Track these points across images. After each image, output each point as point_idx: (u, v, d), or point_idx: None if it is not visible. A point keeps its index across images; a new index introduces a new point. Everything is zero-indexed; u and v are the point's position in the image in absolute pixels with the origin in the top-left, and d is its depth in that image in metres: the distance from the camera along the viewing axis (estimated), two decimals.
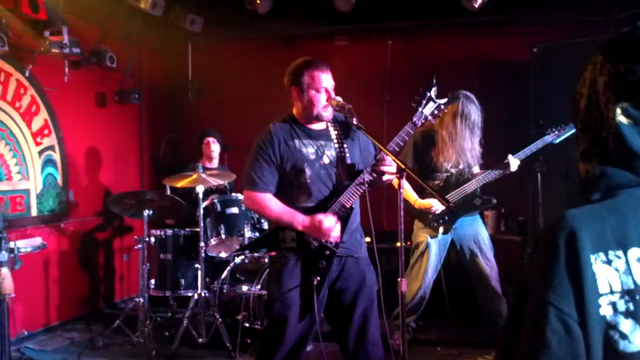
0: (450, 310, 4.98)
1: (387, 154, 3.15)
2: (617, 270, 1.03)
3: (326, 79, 3.30)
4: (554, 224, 1.06)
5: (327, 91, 3.30)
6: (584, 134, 1.18)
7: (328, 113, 3.33)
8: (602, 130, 1.14)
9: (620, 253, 1.04)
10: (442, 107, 3.31)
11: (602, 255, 1.03)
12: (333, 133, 3.40)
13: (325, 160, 3.34)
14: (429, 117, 3.31)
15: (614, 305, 1.01)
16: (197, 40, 7.18)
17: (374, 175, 3.27)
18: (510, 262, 5.86)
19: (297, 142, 3.33)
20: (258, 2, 6.06)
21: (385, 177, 3.28)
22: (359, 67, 6.96)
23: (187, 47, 7.37)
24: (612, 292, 1.02)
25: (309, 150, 3.33)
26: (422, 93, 3.28)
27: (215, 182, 5.39)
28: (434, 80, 3.28)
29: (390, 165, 3.22)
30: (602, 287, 1.02)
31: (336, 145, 3.37)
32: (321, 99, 3.29)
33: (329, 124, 3.41)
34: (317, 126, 3.40)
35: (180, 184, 5.30)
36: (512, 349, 1.06)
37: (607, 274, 1.02)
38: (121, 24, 6.47)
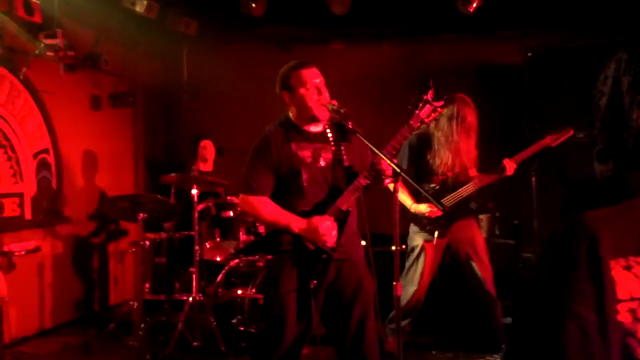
0: (446, 313, 4.99)
1: (383, 158, 3.15)
2: (637, 276, 1.00)
3: (313, 75, 3.29)
4: (574, 227, 1.03)
5: (316, 86, 3.29)
6: (602, 133, 1.15)
7: (323, 110, 3.31)
8: (623, 130, 1.11)
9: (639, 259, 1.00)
10: (439, 109, 3.31)
11: (622, 261, 1.00)
12: (330, 135, 3.40)
13: (322, 163, 3.33)
14: (425, 120, 3.31)
15: (633, 312, 0.99)
16: (192, 44, 7.18)
17: (371, 177, 3.26)
18: (505, 266, 5.86)
19: (293, 145, 3.32)
20: (253, 5, 6.06)
21: (385, 177, 3.27)
22: (354, 70, 6.96)
23: (182, 51, 7.37)
24: (632, 298, 0.99)
25: (305, 153, 3.32)
26: (419, 96, 3.28)
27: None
28: (431, 83, 3.28)
29: (386, 167, 3.22)
30: (622, 294, 0.99)
31: (333, 147, 3.37)
32: (311, 95, 3.28)
33: (326, 127, 3.41)
34: (314, 129, 3.39)
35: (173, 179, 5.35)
36: (525, 350, 1.03)
37: (627, 280, 0.99)
38: (116, 27, 6.47)
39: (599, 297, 0.98)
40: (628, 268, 1.00)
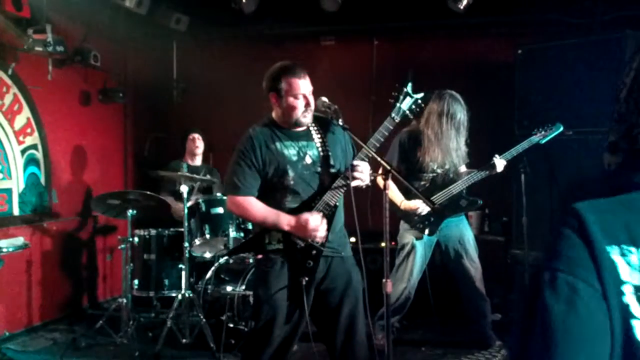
0: (435, 310, 5.00)
1: (373, 155, 3.16)
2: (629, 264, 0.97)
3: (304, 85, 3.30)
4: (564, 213, 1.01)
5: (305, 97, 3.29)
6: (617, 125, 1.12)
7: (307, 119, 3.33)
8: (635, 126, 1.09)
9: (632, 249, 0.98)
10: (419, 101, 3.36)
11: (616, 248, 0.97)
12: (314, 132, 3.40)
13: (308, 160, 3.34)
14: (407, 112, 3.34)
15: (636, 295, 0.95)
16: (182, 39, 7.15)
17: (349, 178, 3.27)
18: (494, 263, 5.88)
19: (278, 144, 3.33)
20: (244, 1, 6.04)
21: (354, 183, 3.28)
22: (345, 67, 6.96)
23: (172, 46, 7.34)
24: (632, 283, 0.96)
25: (291, 151, 3.33)
26: (399, 89, 3.32)
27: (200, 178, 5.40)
28: (410, 76, 3.32)
29: (361, 172, 3.23)
30: (624, 275, 0.96)
31: (318, 145, 3.37)
32: (299, 105, 3.28)
33: (309, 124, 3.41)
34: (297, 127, 3.40)
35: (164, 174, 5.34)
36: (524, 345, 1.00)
37: (626, 265, 0.96)
38: (106, 23, 6.42)
39: (598, 271, 0.94)
40: (622, 255, 0.97)
